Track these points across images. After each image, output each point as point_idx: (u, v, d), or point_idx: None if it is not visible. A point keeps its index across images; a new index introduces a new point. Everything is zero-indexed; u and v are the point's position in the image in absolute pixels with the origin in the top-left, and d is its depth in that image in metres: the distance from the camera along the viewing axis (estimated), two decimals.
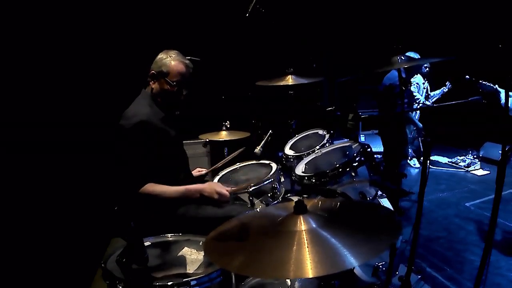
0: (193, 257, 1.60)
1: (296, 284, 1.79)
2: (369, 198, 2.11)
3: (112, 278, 1.42)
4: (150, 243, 1.70)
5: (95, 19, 3.59)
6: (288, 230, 1.18)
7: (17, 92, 2.79)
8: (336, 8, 5.67)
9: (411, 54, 3.94)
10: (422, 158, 3.87)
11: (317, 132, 3.07)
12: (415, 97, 4.84)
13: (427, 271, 2.85)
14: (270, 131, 2.89)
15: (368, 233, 1.17)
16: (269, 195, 2.40)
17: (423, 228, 3.44)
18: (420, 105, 4.82)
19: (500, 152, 1.71)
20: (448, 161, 5.47)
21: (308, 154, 2.73)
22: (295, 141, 3.09)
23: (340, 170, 2.29)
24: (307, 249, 1.08)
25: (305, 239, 1.12)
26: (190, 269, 1.51)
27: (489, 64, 3.02)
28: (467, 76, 3.90)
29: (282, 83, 3.10)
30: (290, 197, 2.40)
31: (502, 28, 4.22)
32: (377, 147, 4.84)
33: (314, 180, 2.34)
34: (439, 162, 5.49)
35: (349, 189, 2.09)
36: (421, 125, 4.75)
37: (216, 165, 2.74)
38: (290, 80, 3.09)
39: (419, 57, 3.91)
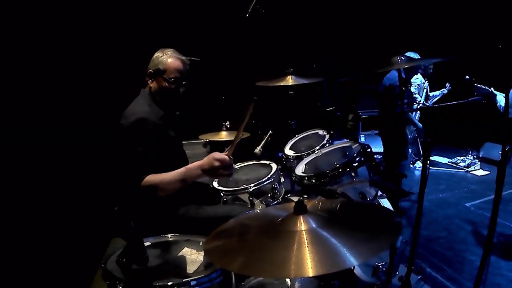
0: (193, 257, 1.60)
1: (296, 284, 1.79)
2: (369, 198, 2.11)
3: (112, 278, 1.42)
4: (150, 243, 1.70)
5: (95, 19, 3.59)
6: (288, 230, 1.18)
7: (17, 93, 2.80)
8: (336, 8, 5.68)
9: (410, 54, 3.94)
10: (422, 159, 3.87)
11: (317, 132, 3.07)
12: (415, 98, 4.84)
13: (427, 271, 2.85)
14: (270, 131, 2.88)
15: (368, 233, 1.17)
16: (269, 195, 2.41)
17: (423, 228, 3.44)
18: (420, 105, 4.82)
19: (500, 152, 1.71)
20: (448, 161, 5.47)
21: (308, 154, 2.73)
22: (295, 141, 3.09)
23: (340, 170, 2.28)
24: (307, 248, 1.08)
25: (305, 238, 1.12)
26: (190, 269, 1.51)
27: (489, 65, 3.03)
28: (467, 77, 3.90)
29: (282, 83, 3.10)
30: (290, 197, 2.41)
31: (502, 29, 4.22)
32: (377, 147, 4.84)
33: (314, 181, 2.34)
34: (439, 162, 5.50)
35: (349, 189, 2.09)
36: (421, 125, 4.75)
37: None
38: (290, 80, 3.09)
39: (419, 57, 3.91)
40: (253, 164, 2.76)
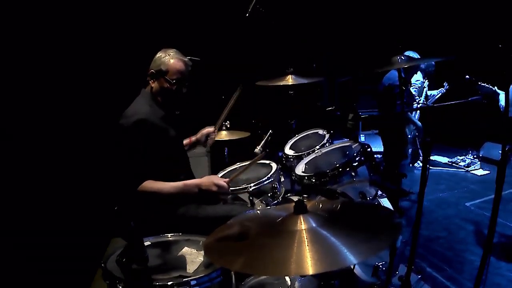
0: (193, 257, 1.59)
1: (296, 284, 1.79)
2: (369, 198, 2.10)
3: (112, 278, 1.42)
4: (150, 243, 1.70)
5: (95, 19, 3.59)
6: (288, 229, 1.18)
7: (17, 92, 2.80)
8: (336, 8, 5.67)
9: (410, 53, 3.94)
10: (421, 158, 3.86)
11: (317, 132, 3.07)
12: (415, 97, 4.84)
13: (427, 271, 2.85)
14: (270, 131, 2.89)
15: (368, 232, 1.17)
16: (269, 195, 2.41)
17: (423, 228, 3.44)
18: (420, 105, 4.81)
19: (500, 152, 1.71)
20: (448, 161, 5.46)
21: (308, 154, 2.73)
22: (295, 141, 3.09)
23: (340, 170, 2.29)
24: (307, 247, 1.08)
25: (305, 237, 1.12)
26: (190, 269, 1.51)
27: (488, 64, 3.02)
28: (467, 76, 3.90)
29: (282, 83, 3.10)
30: (290, 197, 2.41)
31: (502, 28, 4.22)
32: (377, 147, 4.83)
33: (314, 180, 2.34)
34: (439, 162, 5.49)
35: (349, 189, 2.09)
36: (420, 124, 4.74)
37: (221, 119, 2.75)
38: (290, 80, 3.09)
39: (419, 56, 3.91)
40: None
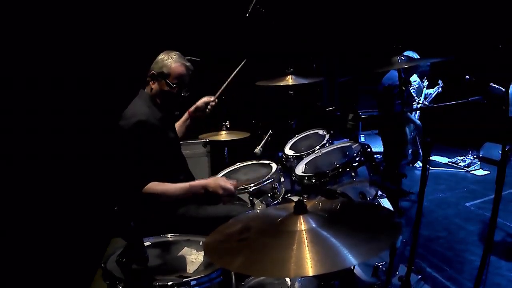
0: (193, 257, 1.60)
1: (296, 284, 1.79)
2: (369, 198, 2.11)
3: (112, 278, 1.42)
4: (150, 243, 1.70)
5: (95, 19, 3.59)
6: (288, 230, 1.18)
7: (17, 93, 2.79)
8: (336, 8, 5.67)
9: (409, 53, 3.94)
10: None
11: (317, 132, 3.07)
12: (414, 97, 4.84)
13: (427, 271, 2.85)
14: (270, 131, 2.89)
15: (368, 233, 1.17)
16: (269, 195, 2.40)
17: (423, 228, 3.44)
18: (420, 105, 4.81)
19: (500, 152, 1.71)
20: (448, 161, 5.46)
21: (308, 154, 2.73)
22: (295, 141, 3.09)
23: (340, 170, 2.29)
24: (307, 248, 1.08)
25: (305, 238, 1.12)
26: (190, 269, 1.51)
27: (488, 64, 3.03)
28: (467, 76, 3.89)
29: (282, 83, 3.10)
30: (290, 197, 2.41)
31: (502, 28, 4.22)
32: (377, 147, 4.83)
33: (314, 180, 2.34)
34: (439, 162, 5.49)
35: (349, 189, 2.09)
36: (420, 123, 4.74)
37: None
38: (290, 80, 3.09)
39: (418, 56, 3.91)
40: (253, 164, 2.76)
